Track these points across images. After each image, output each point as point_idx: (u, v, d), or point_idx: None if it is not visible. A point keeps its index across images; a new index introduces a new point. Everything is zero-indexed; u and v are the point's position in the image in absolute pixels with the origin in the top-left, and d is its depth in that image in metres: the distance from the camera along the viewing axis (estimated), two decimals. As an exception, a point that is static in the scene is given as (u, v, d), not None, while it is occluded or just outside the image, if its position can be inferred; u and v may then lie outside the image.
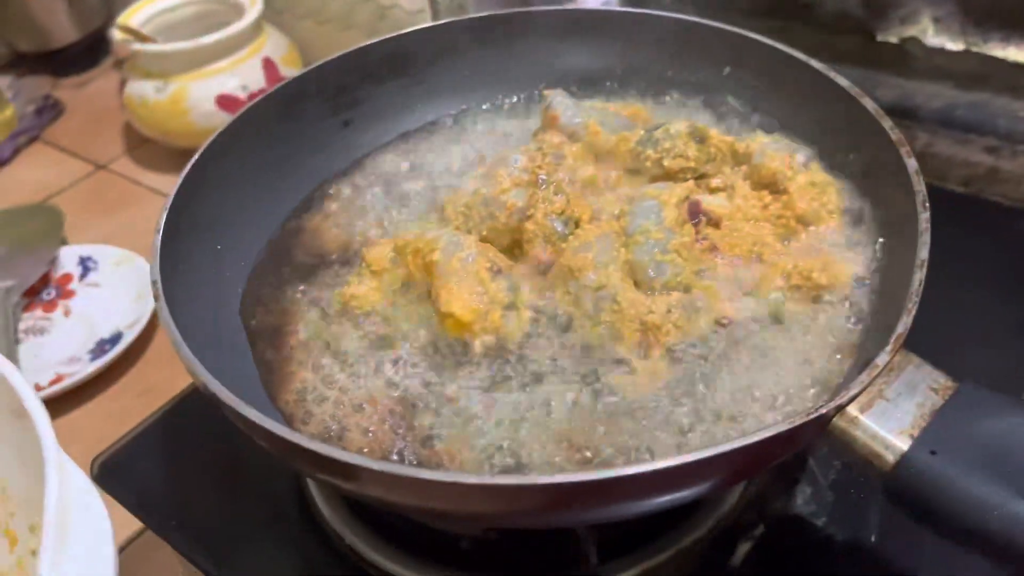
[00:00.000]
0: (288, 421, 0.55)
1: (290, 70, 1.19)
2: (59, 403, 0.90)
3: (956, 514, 0.41)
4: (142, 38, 1.14)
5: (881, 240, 0.59)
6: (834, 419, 0.45)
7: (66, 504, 0.46)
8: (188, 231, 0.60)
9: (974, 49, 0.92)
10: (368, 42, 0.74)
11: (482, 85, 0.78)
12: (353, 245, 0.67)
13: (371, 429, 0.53)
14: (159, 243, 0.56)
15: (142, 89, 1.15)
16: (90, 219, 1.15)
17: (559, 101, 0.68)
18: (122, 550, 0.74)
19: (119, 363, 0.93)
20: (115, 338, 0.95)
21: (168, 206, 0.59)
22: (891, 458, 0.43)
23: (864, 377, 0.44)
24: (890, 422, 0.44)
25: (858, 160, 0.63)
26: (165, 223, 0.57)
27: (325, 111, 0.73)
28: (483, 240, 0.61)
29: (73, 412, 0.90)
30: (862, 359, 0.51)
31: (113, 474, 0.68)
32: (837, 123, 0.64)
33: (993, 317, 0.74)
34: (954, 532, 0.42)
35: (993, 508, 0.40)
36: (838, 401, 0.44)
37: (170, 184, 1.16)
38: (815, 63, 0.66)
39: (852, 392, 0.44)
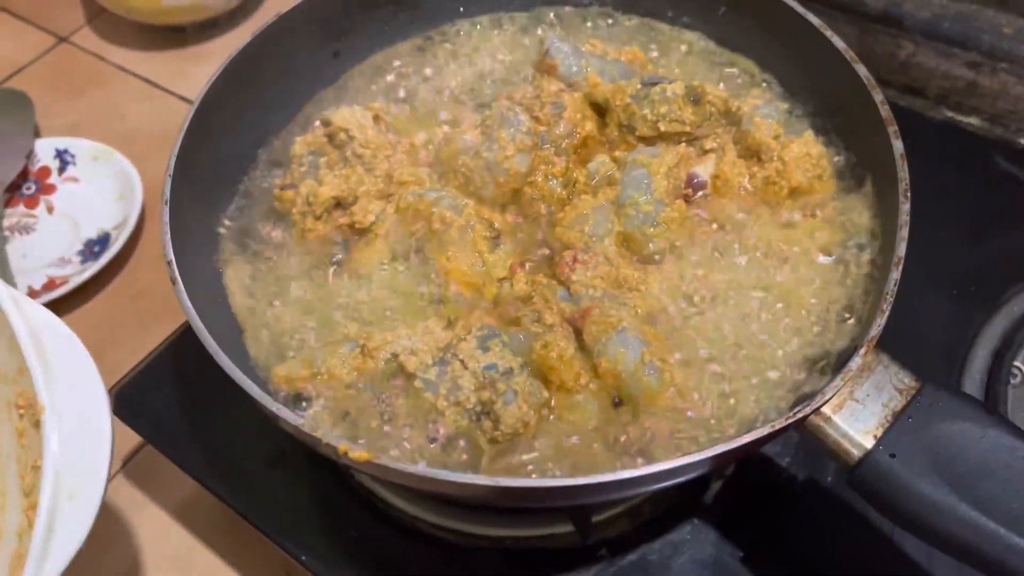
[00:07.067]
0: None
1: (258, -61, 1.13)
2: (51, 307, 0.91)
3: (910, 513, 0.47)
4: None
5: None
6: (809, 417, 0.50)
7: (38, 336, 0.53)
8: (189, 198, 0.61)
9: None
10: (357, -31, 0.71)
11: (476, 5, 0.76)
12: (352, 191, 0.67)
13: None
14: (167, 218, 0.57)
15: (102, -38, 1.08)
16: (58, 102, 1.12)
17: (557, 48, 0.68)
18: (128, 461, 0.80)
19: (108, 265, 0.94)
20: (103, 239, 0.96)
21: (171, 172, 0.59)
22: (856, 455, 0.49)
23: (838, 382, 0.49)
24: (857, 423, 0.49)
25: (847, 124, 0.65)
26: (171, 196, 0.58)
27: (315, 44, 0.72)
28: (481, 200, 0.63)
29: (67, 316, 0.92)
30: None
31: (128, 404, 0.72)
32: (829, 82, 0.65)
33: (964, 252, 0.79)
34: (909, 527, 0.48)
35: (942, 511, 0.46)
36: (815, 404, 0.49)
37: (136, 61, 1.15)
38: (812, 17, 0.66)
39: (827, 396, 0.49)
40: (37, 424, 0.53)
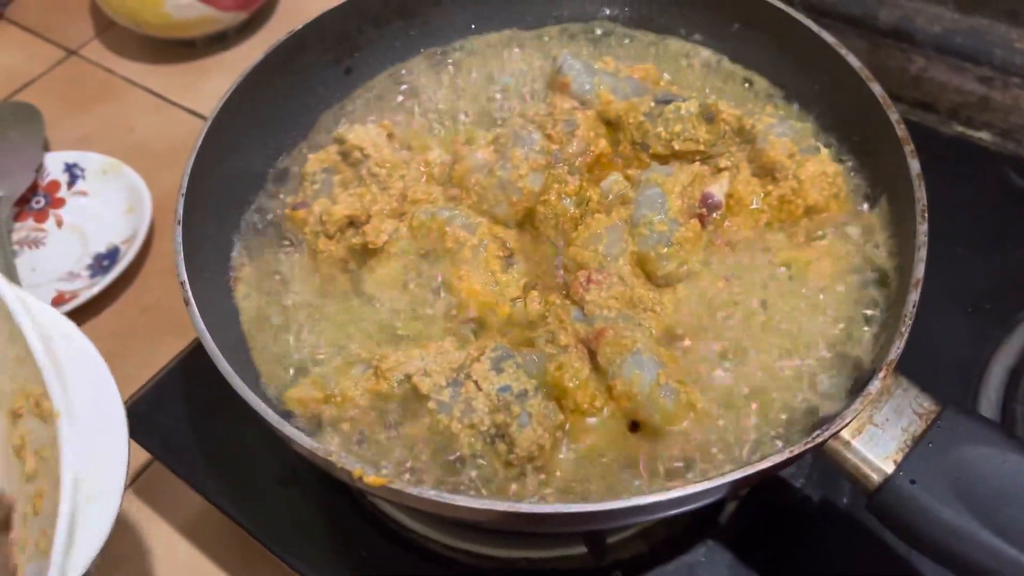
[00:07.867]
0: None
1: (268, -47, 1.13)
2: (62, 321, 0.91)
3: (930, 539, 0.47)
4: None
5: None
6: (828, 442, 0.49)
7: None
8: (201, 216, 0.60)
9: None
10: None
11: (486, 22, 0.76)
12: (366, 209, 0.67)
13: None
14: (180, 237, 0.57)
15: (111, -25, 1.08)
16: (67, 115, 1.12)
17: (570, 65, 0.68)
18: (137, 477, 0.79)
19: (117, 279, 0.94)
20: (111, 253, 0.96)
21: (184, 191, 0.59)
22: (876, 480, 0.48)
23: (858, 405, 0.49)
24: (877, 447, 0.49)
25: (861, 142, 0.65)
26: (183, 212, 0.58)
27: (327, 60, 0.72)
28: (494, 219, 0.63)
29: (78, 330, 0.92)
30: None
31: (138, 421, 0.71)
32: (844, 100, 0.65)
33: (977, 269, 0.78)
34: (929, 553, 0.48)
35: (963, 538, 0.46)
36: (833, 428, 0.48)
37: (145, 74, 1.15)
38: (827, 36, 0.65)
39: (847, 420, 0.49)
40: (43, 417, 0.52)
